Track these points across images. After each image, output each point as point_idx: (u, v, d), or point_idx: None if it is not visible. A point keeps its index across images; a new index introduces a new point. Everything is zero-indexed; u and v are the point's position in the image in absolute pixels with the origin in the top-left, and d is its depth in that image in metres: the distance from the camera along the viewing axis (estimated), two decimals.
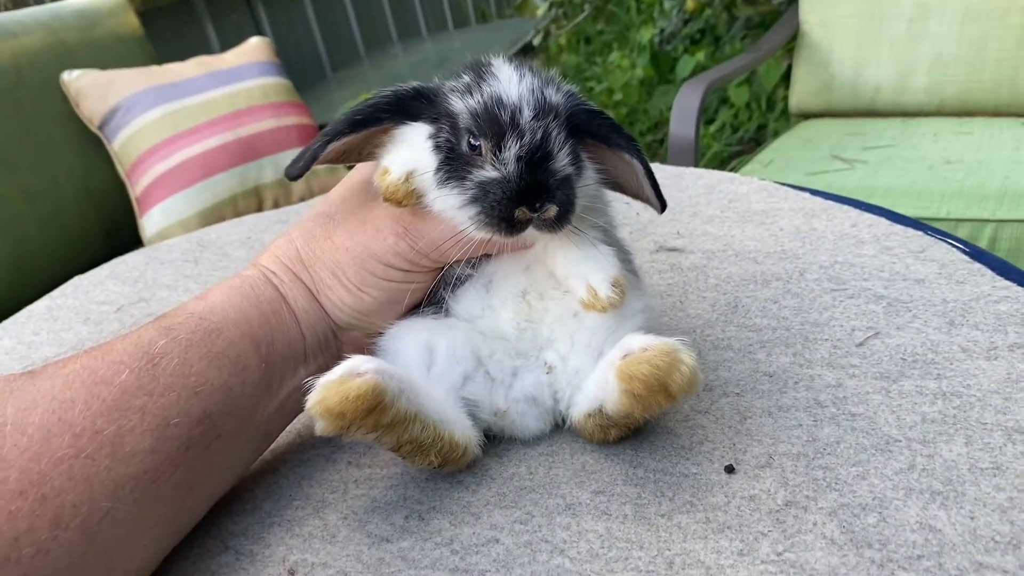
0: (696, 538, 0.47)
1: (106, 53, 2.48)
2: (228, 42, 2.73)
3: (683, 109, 1.84)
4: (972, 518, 0.46)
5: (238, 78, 2.54)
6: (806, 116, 2.45)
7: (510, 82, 0.52)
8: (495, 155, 0.50)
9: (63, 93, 2.32)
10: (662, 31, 4.74)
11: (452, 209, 0.51)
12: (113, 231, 2.31)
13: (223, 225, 1.00)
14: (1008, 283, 0.68)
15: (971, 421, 0.53)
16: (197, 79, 2.49)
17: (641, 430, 0.56)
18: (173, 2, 3.51)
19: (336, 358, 0.49)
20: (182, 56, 2.58)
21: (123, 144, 2.33)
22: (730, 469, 0.52)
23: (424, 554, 0.48)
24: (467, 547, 0.48)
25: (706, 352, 0.63)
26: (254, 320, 0.53)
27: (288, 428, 0.61)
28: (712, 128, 3.78)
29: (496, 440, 0.57)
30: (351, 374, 0.46)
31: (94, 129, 2.35)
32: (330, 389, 0.45)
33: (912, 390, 0.57)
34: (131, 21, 2.67)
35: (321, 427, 0.46)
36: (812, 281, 0.72)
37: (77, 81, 2.32)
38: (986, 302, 0.65)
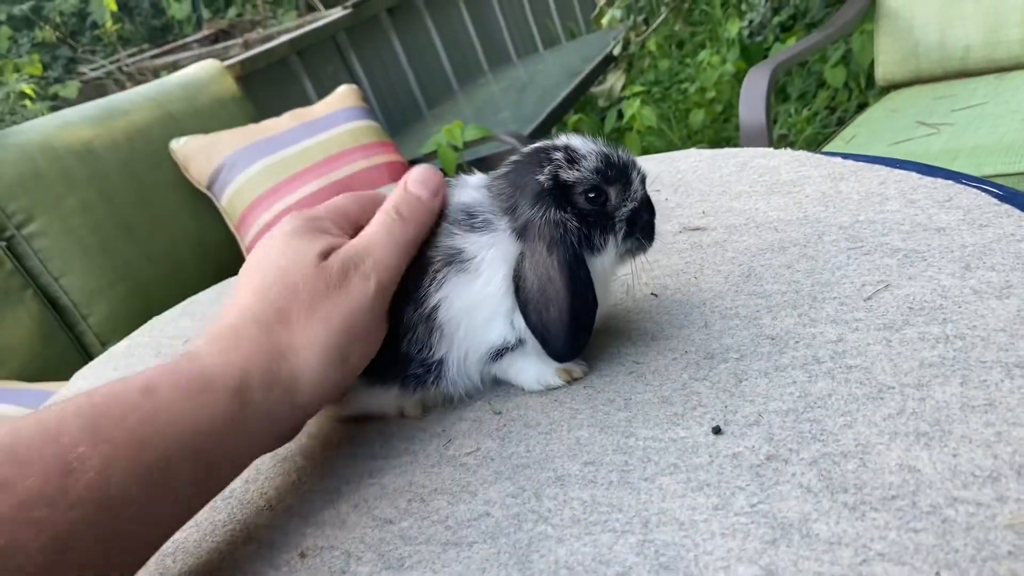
0: (674, 497, 0.48)
1: (209, 118, 2.67)
2: (325, 93, 2.88)
3: (751, 94, 1.82)
4: (955, 455, 0.45)
5: (329, 126, 2.67)
6: (896, 87, 2.36)
7: (588, 143, 0.61)
8: (623, 194, 0.60)
9: (172, 160, 2.51)
10: (751, 23, 4.65)
11: (610, 258, 0.61)
12: None
13: None
14: None
15: (971, 361, 0.52)
16: (291, 131, 2.64)
17: (637, 402, 0.57)
18: (271, 63, 3.73)
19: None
20: (284, 111, 2.73)
21: (230, 200, 2.49)
22: (717, 430, 0.52)
23: (421, 531, 0.51)
24: (460, 522, 0.51)
25: (712, 322, 0.64)
26: (202, 432, 0.48)
27: (311, 431, 0.66)
28: (806, 112, 3.66)
29: (502, 423, 0.59)
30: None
31: (203, 189, 2.53)
32: None
33: (914, 337, 0.55)
34: (230, 85, 2.86)
35: None
36: (829, 243, 0.71)
37: (184, 147, 2.51)
38: (1008, 242, 0.63)
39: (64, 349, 2.12)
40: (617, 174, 0.60)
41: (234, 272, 0.95)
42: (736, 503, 0.46)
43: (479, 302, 0.58)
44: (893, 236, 0.69)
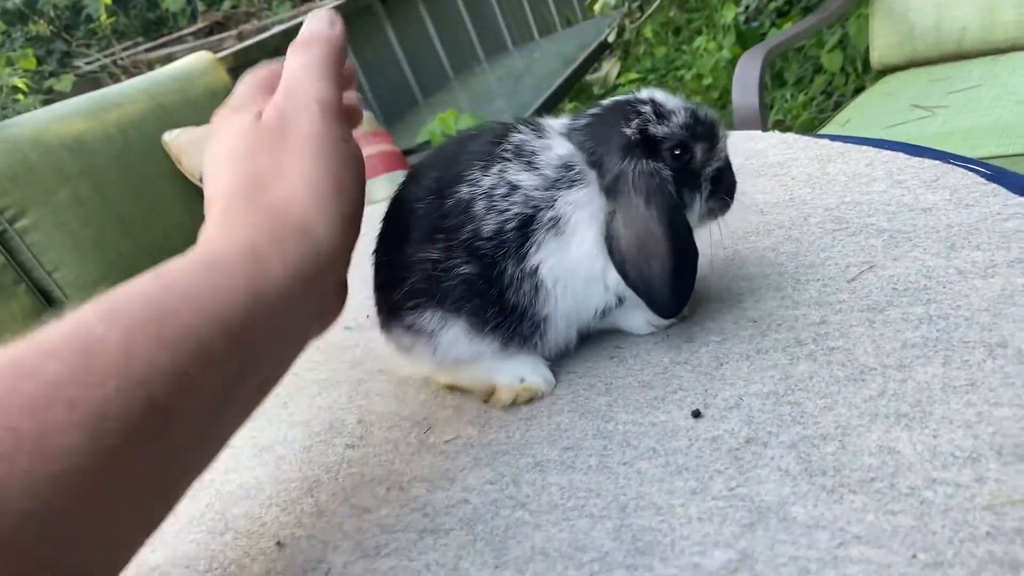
0: (653, 481, 0.47)
1: (202, 110, 2.66)
2: None
3: (744, 79, 1.80)
4: (935, 436, 0.44)
5: None
6: (892, 70, 2.34)
7: (672, 98, 0.59)
8: (709, 152, 0.58)
9: (165, 152, 2.50)
10: (746, 8, 4.63)
11: (693, 218, 0.59)
12: None
13: None
14: (1022, 200, 0.64)
15: (953, 341, 0.51)
16: None
17: (618, 387, 0.57)
18: (265, 55, 3.71)
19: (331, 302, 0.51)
20: None
21: None
22: (697, 414, 0.51)
23: (398, 519, 0.50)
24: (438, 510, 0.50)
25: (695, 305, 0.63)
26: (225, 301, 0.46)
27: (295, 419, 0.65)
28: (802, 97, 3.65)
29: (483, 410, 0.59)
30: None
31: (196, 182, 2.52)
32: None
33: (898, 318, 0.55)
34: (222, 77, 2.84)
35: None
36: (815, 225, 0.70)
37: (176, 140, 2.49)
38: (993, 221, 0.62)
39: None
40: (705, 131, 0.58)
41: None
42: (714, 487, 0.45)
43: (575, 265, 0.57)
44: (879, 217, 0.68)
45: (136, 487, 0.43)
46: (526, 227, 0.55)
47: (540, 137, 0.58)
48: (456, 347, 0.58)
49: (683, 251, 0.55)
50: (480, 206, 0.55)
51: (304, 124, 0.52)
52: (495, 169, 0.56)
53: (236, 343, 0.46)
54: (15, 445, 0.38)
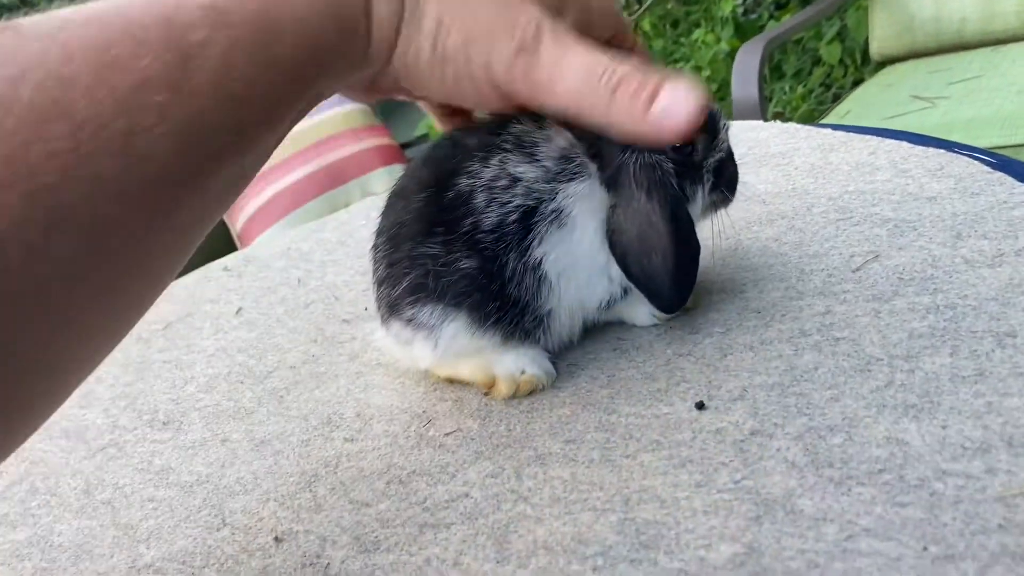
0: (656, 474, 0.46)
1: None
2: None
3: (744, 71, 1.79)
4: (944, 427, 0.43)
5: (319, 110, 2.63)
6: (891, 62, 2.33)
7: None
8: (710, 144, 0.57)
9: None
10: (745, 1, 4.61)
11: (696, 211, 0.57)
12: None
13: (266, 237, 1.05)
14: None
15: (961, 331, 0.50)
16: None
17: (620, 379, 0.56)
18: None
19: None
20: None
21: None
22: (700, 405, 0.51)
23: (398, 514, 0.50)
24: (438, 504, 0.50)
25: (697, 298, 0.62)
26: (327, 33, 0.42)
27: (293, 413, 0.64)
28: (801, 89, 3.64)
29: (484, 403, 0.58)
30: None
31: None
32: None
33: (904, 308, 0.54)
34: None
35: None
36: (818, 214, 0.69)
37: None
38: (1000, 210, 0.61)
39: None
40: (706, 123, 0.56)
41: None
42: (719, 479, 0.45)
43: (578, 258, 0.56)
44: (883, 206, 0.67)
45: (200, 206, 0.41)
46: (528, 219, 0.54)
47: (540, 128, 0.57)
48: (457, 341, 0.57)
49: (685, 245, 0.54)
50: (481, 198, 0.54)
51: None
52: (495, 160, 0.55)
53: (314, 82, 0.43)
54: (103, 143, 0.34)
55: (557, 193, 0.55)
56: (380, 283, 0.59)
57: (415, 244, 0.55)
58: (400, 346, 0.60)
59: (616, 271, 0.56)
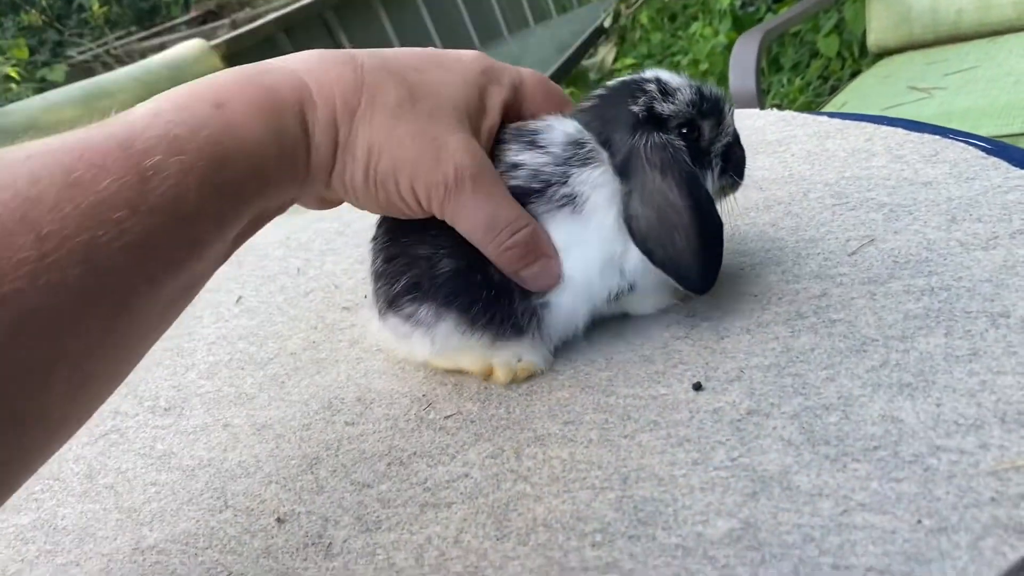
0: (654, 453, 0.47)
1: None
2: None
3: (741, 62, 1.80)
4: (938, 405, 0.44)
5: None
6: (888, 53, 2.33)
7: (677, 76, 0.58)
8: (717, 128, 0.58)
9: None
10: None
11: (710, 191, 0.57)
12: None
13: (267, 228, 1.05)
14: (1023, 172, 0.63)
15: (956, 312, 0.51)
16: None
17: (618, 361, 0.56)
18: (258, 42, 3.69)
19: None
20: None
21: None
22: (698, 386, 0.51)
23: (399, 494, 0.50)
24: (439, 484, 0.50)
25: None
26: (270, 159, 0.46)
27: (293, 398, 0.65)
28: (798, 81, 3.64)
29: (483, 386, 0.59)
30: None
31: None
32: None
33: (899, 290, 0.54)
34: (215, 65, 2.83)
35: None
36: (814, 200, 0.70)
37: None
38: (994, 194, 0.62)
39: None
40: (711, 108, 0.57)
41: None
42: (716, 457, 0.45)
43: (589, 247, 0.55)
44: (879, 191, 0.68)
45: (158, 311, 0.44)
46: (529, 203, 0.54)
47: (538, 119, 0.58)
48: (451, 340, 0.57)
49: (706, 220, 0.53)
50: None
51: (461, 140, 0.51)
52: (492, 151, 0.55)
53: (261, 190, 0.47)
54: (66, 253, 0.37)
55: (570, 177, 0.55)
56: (378, 277, 0.59)
57: (411, 241, 0.56)
58: (398, 339, 0.60)
59: (629, 265, 0.56)
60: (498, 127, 0.56)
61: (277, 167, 0.47)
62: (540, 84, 0.59)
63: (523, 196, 0.54)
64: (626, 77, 0.59)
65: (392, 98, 0.50)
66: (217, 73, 0.48)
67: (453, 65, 0.54)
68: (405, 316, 0.57)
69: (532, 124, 0.57)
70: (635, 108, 0.55)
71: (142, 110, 0.44)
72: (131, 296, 0.41)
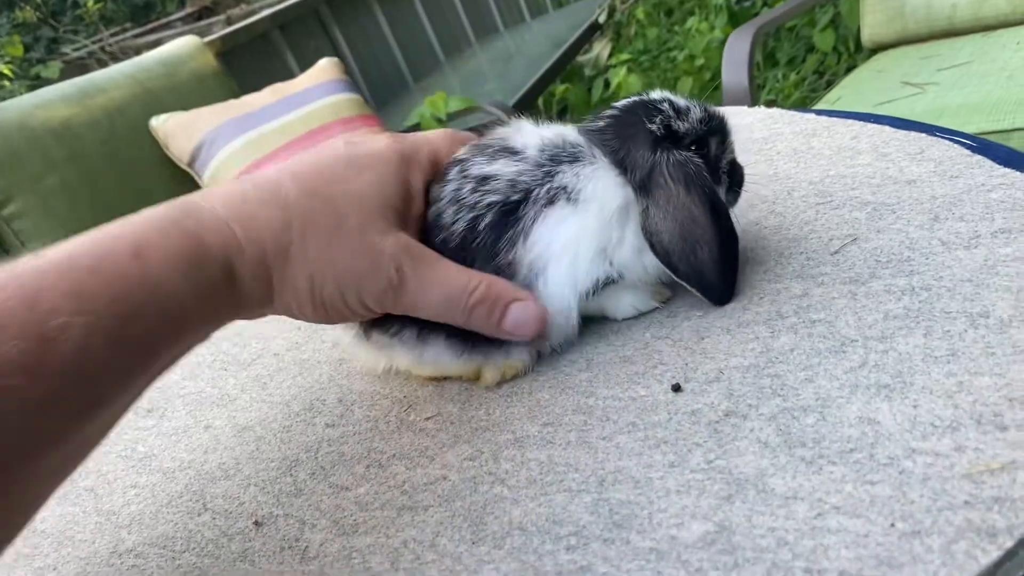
0: (631, 455, 0.47)
1: (189, 95, 2.64)
2: (309, 67, 2.82)
3: (734, 57, 1.79)
4: (915, 407, 0.44)
5: (309, 100, 2.64)
6: (883, 48, 2.33)
7: (681, 97, 0.60)
8: (722, 146, 0.60)
9: (153, 138, 2.48)
10: None
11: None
12: None
13: None
14: (1007, 171, 0.63)
15: (935, 312, 0.50)
16: (272, 106, 2.60)
17: (599, 362, 0.56)
18: (252, 39, 3.68)
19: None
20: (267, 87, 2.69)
21: (211, 176, 2.46)
22: (677, 388, 0.51)
23: (376, 497, 0.50)
24: (416, 487, 0.50)
25: (674, 282, 0.62)
26: (188, 310, 0.46)
27: (275, 399, 0.65)
28: (793, 76, 3.64)
29: (464, 387, 0.58)
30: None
31: (184, 167, 2.50)
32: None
33: (880, 290, 0.54)
34: (209, 61, 2.82)
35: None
36: (799, 198, 0.69)
37: (164, 125, 2.47)
38: (978, 192, 0.61)
39: None
40: (717, 126, 0.60)
41: None
42: (692, 460, 0.45)
43: (585, 234, 0.55)
44: (863, 190, 0.67)
45: (57, 465, 0.43)
46: (510, 214, 0.54)
47: (501, 128, 0.59)
48: (441, 360, 0.58)
49: (728, 234, 0.56)
50: (448, 213, 0.55)
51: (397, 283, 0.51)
52: (453, 173, 0.56)
53: (181, 340, 0.47)
54: None
55: (556, 175, 0.55)
56: None
57: None
58: (378, 349, 0.60)
59: (618, 257, 0.56)
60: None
61: (197, 315, 0.47)
62: (452, 144, 0.60)
63: (504, 213, 0.54)
64: (636, 97, 0.60)
65: (322, 226, 0.50)
66: (142, 213, 0.46)
67: (372, 164, 0.53)
68: (391, 334, 0.57)
69: (492, 135, 0.58)
70: (653, 126, 0.57)
71: (58, 254, 0.42)
72: (30, 452, 0.39)
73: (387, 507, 0.49)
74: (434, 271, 0.53)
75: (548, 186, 0.55)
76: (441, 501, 0.48)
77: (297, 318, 0.53)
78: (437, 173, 0.58)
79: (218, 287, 0.47)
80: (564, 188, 0.55)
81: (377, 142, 0.55)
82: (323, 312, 0.52)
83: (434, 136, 0.60)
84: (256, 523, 0.51)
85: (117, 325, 0.41)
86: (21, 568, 0.54)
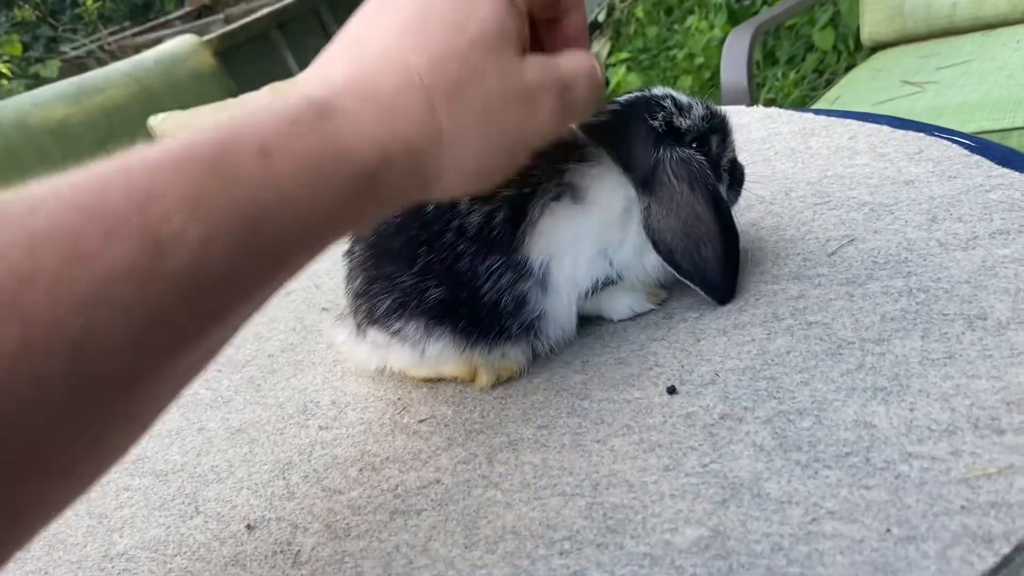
0: (626, 459, 0.46)
1: (186, 94, 2.63)
2: (308, 67, 2.81)
3: (733, 56, 1.79)
4: (912, 410, 0.43)
5: None
6: (882, 47, 2.32)
7: (682, 94, 0.60)
8: (723, 144, 0.60)
9: (151, 137, 2.47)
10: None
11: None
12: None
13: None
14: (1006, 171, 0.63)
15: (933, 314, 0.50)
16: None
17: (594, 364, 0.56)
18: (251, 38, 3.67)
19: None
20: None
21: None
22: (672, 390, 0.51)
23: (370, 501, 0.50)
24: (410, 491, 0.49)
25: (673, 282, 0.62)
26: (323, 216, 0.40)
27: (269, 401, 0.64)
28: (793, 75, 3.63)
29: (458, 389, 0.58)
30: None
31: None
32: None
33: (877, 291, 0.54)
34: (207, 60, 2.81)
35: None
36: (796, 199, 0.69)
37: (162, 124, 2.46)
38: (976, 193, 0.61)
39: None
40: (719, 123, 0.59)
41: None
42: (687, 463, 0.44)
43: (587, 237, 0.55)
44: (861, 190, 0.67)
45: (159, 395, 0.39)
46: (520, 210, 0.54)
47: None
48: (444, 355, 0.57)
49: (730, 231, 0.56)
50: (464, 201, 0.54)
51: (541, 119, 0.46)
52: None
53: (311, 248, 0.41)
54: (55, 346, 0.32)
55: (564, 172, 0.55)
56: (358, 295, 0.58)
57: (395, 271, 0.55)
58: (374, 348, 0.59)
59: (619, 257, 0.56)
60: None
61: (334, 220, 0.41)
62: None
63: (515, 208, 0.54)
64: (637, 94, 0.60)
65: (466, 96, 0.44)
66: (268, 103, 0.40)
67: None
68: (392, 332, 0.57)
69: None
70: (655, 123, 0.56)
71: (174, 146, 0.37)
72: (128, 383, 0.36)
73: (380, 511, 0.48)
74: (562, 65, 0.47)
75: (556, 181, 0.55)
76: (434, 505, 0.48)
77: (454, 195, 0.48)
78: None
79: (361, 192, 0.41)
80: (571, 186, 0.55)
81: None
82: (489, 180, 0.47)
83: None
84: (248, 527, 0.51)
85: (240, 232, 0.37)
86: (11, 571, 0.53)
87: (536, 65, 0.46)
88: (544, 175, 0.54)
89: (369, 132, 0.41)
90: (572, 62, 0.47)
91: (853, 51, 3.58)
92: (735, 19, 4.29)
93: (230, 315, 0.39)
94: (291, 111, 0.39)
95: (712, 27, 4.50)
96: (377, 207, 0.43)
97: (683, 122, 0.57)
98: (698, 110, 0.58)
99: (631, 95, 0.60)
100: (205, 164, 0.36)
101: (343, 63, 0.45)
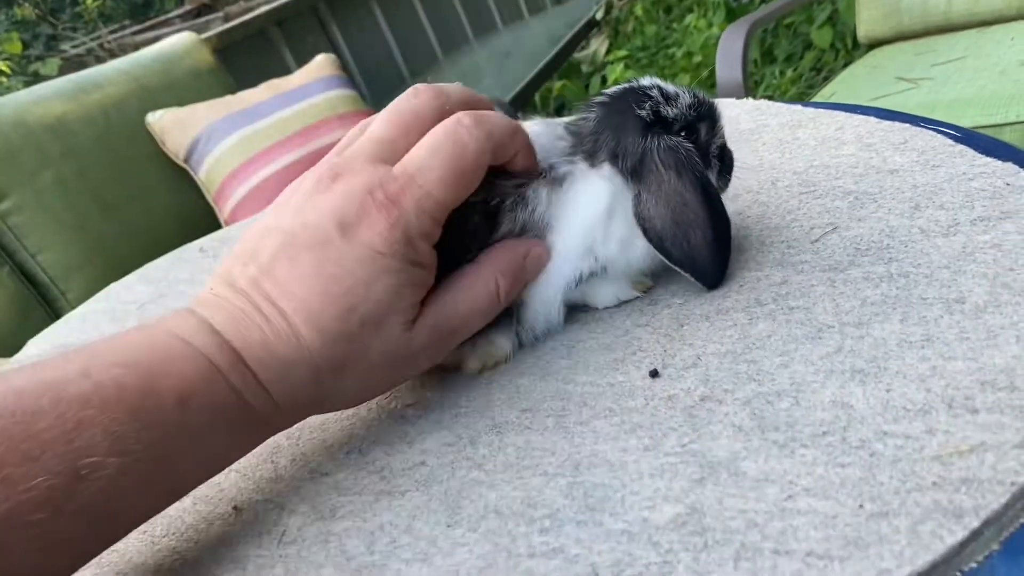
0: (607, 439, 0.47)
1: (185, 91, 2.63)
2: (306, 64, 2.82)
3: (728, 52, 1.79)
4: (888, 391, 0.44)
5: (305, 96, 2.63)
6: (879, 44, 2.33)
7: (669, 84, 0.60)
8: (711, 132, 0.60)
9: (149, 134, 2.48)
10: None
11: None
12: None
13: (245, 221, 1.06)
14: (989, 159, 0.63)
15: (912, 298, 0.51)
16: (268, 102, 2.60)
17: (580, 349, 0.56)
18: (249, 35, 3.68)
19: None
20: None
21: (207, 172, 2.46)
22: (654, 374, 0.51)
23: (355, 482, 0.50)
24: (395, 472, 0.50)
25: (659, 272, 0.63)
26: (224, 456, 0.48)
27: None
28: (790, 73, 3.64)
29: (445, 374, 0.59)
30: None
31: (180, 163, 2.50)
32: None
33: (858, 277, 0.54)
34: (206, 57, 2.82)
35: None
36: (782, 188, 0.70)
37: (160, 121, 2.47)
38: (959, 182, 0.62)
39: (42, 325, 2.07)
40: (706, 111, 0.60)
41: None
42: (667, 444, 0.45)
43: (572, 234, 0.56)
44: (846, 179, 0.67)
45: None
46: (494, 215, 0.55)
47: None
48: None
49: (720, 218, 0.56)
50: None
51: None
52: None
53: (209, 473, 0.48)
54: None
55: (553, 167, 0.56)
56: None
57: None
58: None
59: (603, 251, 0.57)
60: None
61: (229, 455, 0.48)
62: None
63: (487, 215, 0.55)
64: (625, 85, 0.60)
65: (352, 369, 0.50)
66: (189, 340, 0.45)
67: (377, 264, 0.48)
68: None
69: None
70: (642, 112, 0.57)
71: (106, 380, 0.41)
72: None
73: (365, 492, 0.49)
74: (456, 312, 0.53)
75: (547, 176, 0.56)
76: (418, 486, 0.48)
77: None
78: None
79: (259, 431, 0.49)
80: (559, 181, 0.56)
81: (374, 227, 0.47)
82: (372, 397, 0.55)
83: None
84: (235, 508, 0.51)
85: (151, 471, 0.41)
86: None
87: (426, 324, 0.51)
88: (514, 184, 0.55)
89: (263, 395, 0.47)
90: (467, 304, 0.53)
91: (851, 49, 3.59)
92: (733, 17, 4.29)
93: (129, 530, 0.44)
94: (208, 361, 0.45)
95: (711, 25, 4.52)
96: (269, 436, 0.51)
97: (670, 111, 0.57)
98: (685, 99, 0.59)
99: (619, 87, 0.60)
100: (129, 404, 0.41)
101: (246, 311, 0.48)
